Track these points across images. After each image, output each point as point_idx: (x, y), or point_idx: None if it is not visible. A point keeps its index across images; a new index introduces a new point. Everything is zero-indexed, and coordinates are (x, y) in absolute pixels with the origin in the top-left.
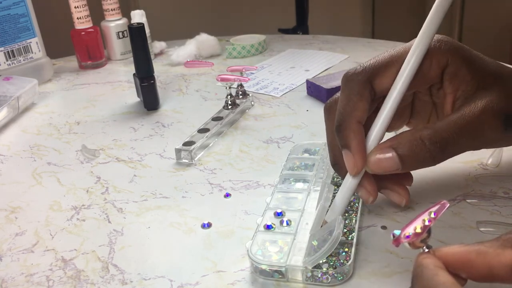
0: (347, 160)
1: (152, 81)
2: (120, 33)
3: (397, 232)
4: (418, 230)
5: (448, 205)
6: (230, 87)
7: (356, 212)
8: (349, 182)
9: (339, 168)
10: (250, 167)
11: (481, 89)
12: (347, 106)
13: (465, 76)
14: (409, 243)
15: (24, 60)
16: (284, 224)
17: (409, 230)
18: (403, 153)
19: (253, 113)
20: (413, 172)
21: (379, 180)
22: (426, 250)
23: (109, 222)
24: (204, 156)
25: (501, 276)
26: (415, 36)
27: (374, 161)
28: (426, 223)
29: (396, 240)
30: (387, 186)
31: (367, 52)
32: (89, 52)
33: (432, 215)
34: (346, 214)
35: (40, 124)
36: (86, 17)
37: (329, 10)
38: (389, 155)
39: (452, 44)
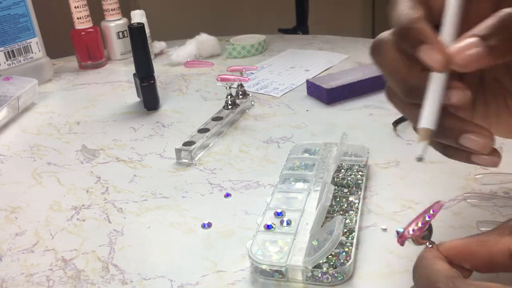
0: (428, 53)
1: (152, 81)
2: (120, 33)
3: (400, 229)
4: (420, 225)
5: (445, 204)
6: (230, 87)
7: (356, 212)
8: (437, 81)
9: (416, 90)
10: (250, 167)
11: None
12: (408, 10)
13: None
14: (413, 239)
15: (24, 60)
16: (284, 224)
17: (412, 227)
18: (486, 34)
19: (253, 113)
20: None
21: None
22: (430, 245)
23: (109, 222)
24: (204, 156)
25: (501, 263)
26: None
27: (457, 49)
28: (427, 219)
29: (401, 237)
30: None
31: (367, 52)
32: (89, 52)
33: (431, 212)
34: (346, 214)
35: (40, 124)
36: (86, 17)
37: (329, 10)
38: (473, 39)
39: None
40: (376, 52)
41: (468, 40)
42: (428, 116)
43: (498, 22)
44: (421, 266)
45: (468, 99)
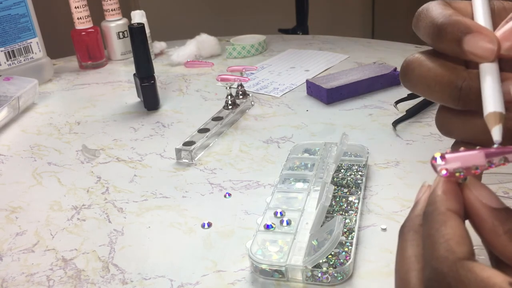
0: (475, 43)
1: (152, 81)
2: (121, 33)
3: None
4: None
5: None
6: (230, 87)
7: (356, 212)
8: (490, 70)
9: (468, 91)
10: (250, 167)
11: None
12: (441, 10)
13: None
14: (460, 171)
15: (24, 60)
16: (284, 224)
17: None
18: None
19: (253, 113)
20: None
21: None
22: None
23: (110, 222)
24: (204, 156)
25: None
26: (415, 36)
27: (502, 34)
28: (495, 162)
29: (466, 172)
30: None
31: (367, 52)
32: (89, 52)
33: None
34: (346, 214)
35: (41, 124)
36: (86, 17)
37: (329, 10)
38: None
39: None
40: (409, 71)
41: (511, 23)
42: (493, 100)
43: None
44: (427, 222)
45: None
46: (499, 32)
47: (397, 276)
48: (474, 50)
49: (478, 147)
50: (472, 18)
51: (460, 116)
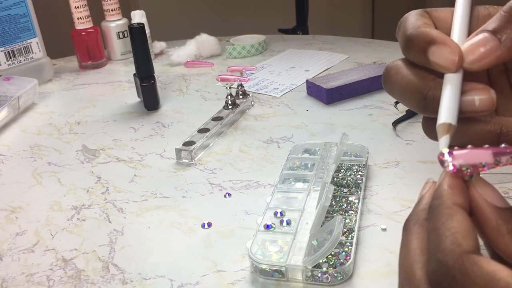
0: (439, 53)
1: (152, 81)
2: (121, 33)
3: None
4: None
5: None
6: (230, 87)
7: (356, 212)
8: (452, 80)
9: (433, 100)
10: (250, 167)
11: None
12: (413, 21)
13: None
14: (467, 167)
15: (24, 60)
16: (284, 224)
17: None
18: (496, 28)
19: (253, 113)
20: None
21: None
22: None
23: (109, 222)
24: (204, 156)
25: None
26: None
27: (468, 46)
28: (503, 161)
29: (474, 169)
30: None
31: (367, 52)
32: (89, 52)
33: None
34: (346, 214)
35: (40, 124)
36: (86, 17)
37: (329, 10)
38: (481, 35)
39: None
40: (387, 77)
41: (478, 37)
42: (446, 111)
43: (507, 14)
44: (433, 215)
45: (495, 99)
46: (466, 44)
47: (402, 269)
48: (437, 60)
49: (486, 145)
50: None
51: None
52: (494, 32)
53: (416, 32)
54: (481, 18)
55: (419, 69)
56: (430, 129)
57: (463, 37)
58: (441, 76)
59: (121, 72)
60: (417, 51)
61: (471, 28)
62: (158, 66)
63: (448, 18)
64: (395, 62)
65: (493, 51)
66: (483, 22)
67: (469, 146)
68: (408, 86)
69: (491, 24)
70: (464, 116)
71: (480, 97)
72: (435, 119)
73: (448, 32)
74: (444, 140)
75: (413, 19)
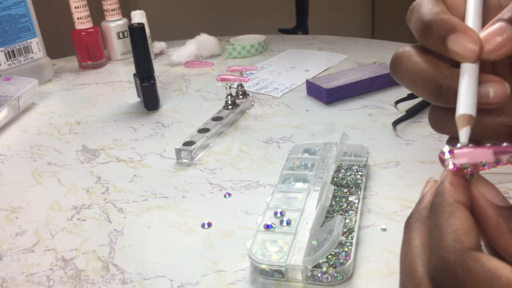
0: (459, 42)
1: (152, 81)
2: (121, 33)
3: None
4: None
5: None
6: (230, 87)
7: (356, 212)
8: (470, 71)
9: (448, 89)
10: (250, 167)
11: None
12: (430, 7)
13: None
14: (468, 166)
15: (24, 60)
16: (284, 224)
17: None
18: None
19: (253, 113)
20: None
21: None
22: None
23: (109, 222)
24: (204, 156)
25: None
26: (415, 37)
27: (485, 35)
28: (504, 161)
29: (474, 168)
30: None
31: (367, 52)
32: (89, 52)
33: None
34: (346, 214)
35: (40, 124)
36: (86, 17)
37: (329, 10)
38: (497, 24)
39: None
40: (397, 64)
41: (495, 26)
42: (465, 102)
43: None
44: (435, 212)
45: (509, 92)
46: (482, 34)
47: (403, 265)
48: (457, 49)
49: (488, 144)
50: (463, 16)
51: (449, 113)
52: (510, 21)
53: (436, 18)
54: (492, 9)
55: (432, 57)
56: (438, 120)
57: (477, 26)
58: (455, 65)
59: (121, 72)
60: (435, 38)
61: (483, 18)
62: (158, 66)
63: (461, 6)
64: (406, 49)
65: (510, 40)
66: (494, 13)
67: (470, 145)
68: (421, 73)
69: (507, 13)
70: (477, 107)
71: (495, 89)
72: (445, 109)
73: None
74: (464, 132)
75: (429, 5)
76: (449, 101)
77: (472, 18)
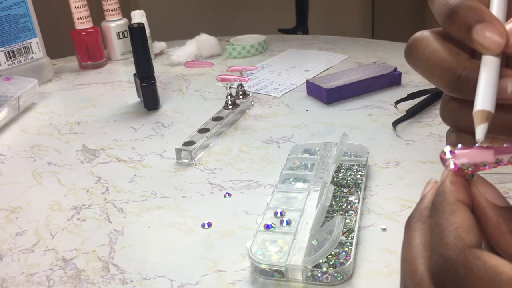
0: (487, 33)
1: (153, 81)
2: (121, 33)
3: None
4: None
5: None
6: (230, 87)
7: (356, 212)
8: (491, 64)
9: (466, 80)
10: (250, 167)
11: None
12: None
13: None
14: (468, 166)
15: (24, 60)
16: (284, 224)
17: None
18: None
19: (253, 113)
20: (412, 173)
21: None
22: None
23: (110, 222)
24: (204, 156)
25: None
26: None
27: (510, 30)
28: (504, 161)
29: (474, 168)
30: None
31: (367, 52)
32: (89, 52)
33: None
34: (346, 214)
35: (40, 124)
36: (86, 17)
37: (329, 10)
38: None
39: None
40: (413, 48)
41: None
42: (484, 97)
43: None
44: (437, 211)
45: None
46: (508, 26)
47: (404, 264)
48: (482, 41)
49: (488, 144)
50: (488, 4)
51: (464, 106)
52: None
53: (464, 4)
54: None
55: (452, 45)
56: (450, 111)
57: (502, 17)
58: (477, 56)
59: (121, 72)
60: (460, 25)
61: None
62: (158, 66)
63: None
64: (424, 33)
65: None
66: None
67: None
68: (440, 62)
69: None
70: None
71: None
72: (459, 101)
73: None
74: (481, 129)
75: None
76: (466, 93)
77: (496, 8)
